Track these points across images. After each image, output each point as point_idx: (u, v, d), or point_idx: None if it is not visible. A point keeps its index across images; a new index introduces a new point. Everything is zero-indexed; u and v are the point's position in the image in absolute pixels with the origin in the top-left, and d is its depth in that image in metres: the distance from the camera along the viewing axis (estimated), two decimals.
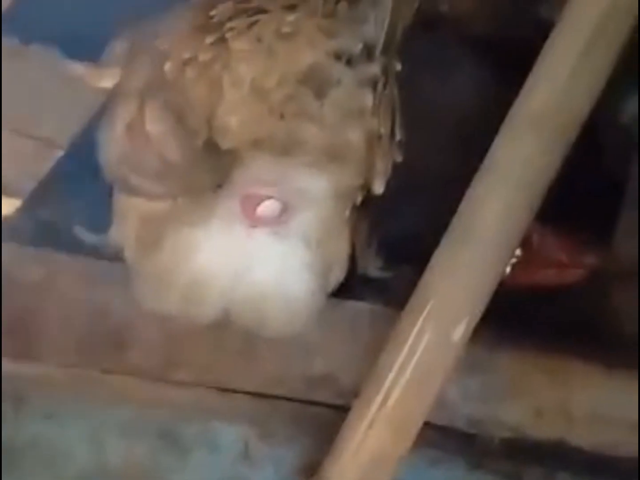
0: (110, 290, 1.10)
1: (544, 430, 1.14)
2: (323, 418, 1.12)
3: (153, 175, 1.02)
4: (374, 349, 1.07)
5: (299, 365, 1.12)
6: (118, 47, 1.11)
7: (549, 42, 0.97)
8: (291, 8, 0.99)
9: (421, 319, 0.92)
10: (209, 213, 1.02)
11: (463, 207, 0.95)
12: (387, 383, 0.93)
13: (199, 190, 1.01)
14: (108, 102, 1.08)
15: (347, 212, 1.04)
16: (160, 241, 1.03)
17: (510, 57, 1.12)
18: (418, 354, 0.92)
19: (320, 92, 0.96)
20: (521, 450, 1.14)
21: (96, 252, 1.10)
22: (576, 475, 1.16)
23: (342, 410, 1.09)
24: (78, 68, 1.10)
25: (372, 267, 1.12)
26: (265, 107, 0.96)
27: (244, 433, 1.14)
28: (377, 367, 0.94)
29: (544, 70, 0.93)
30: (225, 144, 0.98)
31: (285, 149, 0.98)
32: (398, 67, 0.99)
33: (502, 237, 0.92)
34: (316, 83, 0.96)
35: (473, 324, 0.94)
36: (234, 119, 0.97)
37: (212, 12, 1.01)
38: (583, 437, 1.14)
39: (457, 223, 0.94)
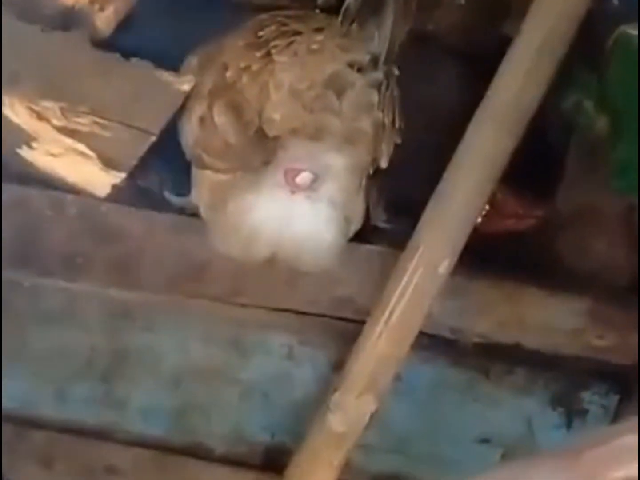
0: (191, 238, 1.13)
1: (506, 337, 1.17)
2: (346, 329, 1.17)
3: (219, 155, 1.07)
4: (382, 279, 1.13)
5: (327, 291, 1.16)
6: (192, 60, 1.14)
7: (508, 54, 1.00)
8: (319, 30, 1.04)
9: (416, 258, 0.97)
10: (260, 182, 1.07)
11: (445, 177, 1.00)
12: (390, 305, 0.97)
13: (252, 166, 1.06)
14: (186, 101, 1.12)
15: (362, 181, 1.09)
16: (225, 203, 1.08)
17: (480, 64, 1.12)
18: (414, 283, 0.97)
19: (339, 93, 1.02)
20: (488, 351, 1.18)
21: (181, 211, 1.15)
22: (530, 368, 1.20)
23: (359, 324, 1.14)
24: (166, 76, 1.12)
25: (380, 220, 1.16)
26: (300, 105, 1.02)
27: (288, 341, 1.19)
28: (383, 294, 0.98)
29: (504, 76, 0.95)
30: (271, 132, 1.03)
31: (315, 135, 1.03)
32: (396, 72, 1.04)
33: (474, 198, 0.96)
34: (337, 86, 1.02)
35: (454, 261, 0.98)
36: (277, 114, 1.02)
37: (260, 33, 1.06)
38: (534, 341, 1.18)
39: (442, 188, 0.98)
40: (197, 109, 1.09)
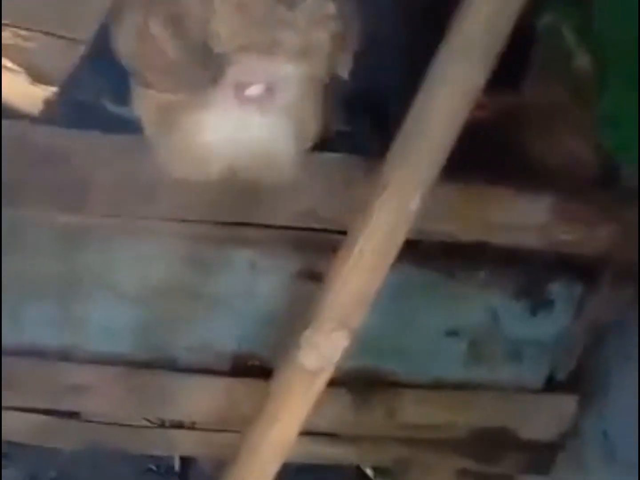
0: (138, 158, 0.93)
1: (471, 236, 1.01)
2: (310, 239, 1.00)
3: (161, 72, 0.86)
4: (344, 187, 0.96)
5: (288, 202, 0.98)
6: None
7: None
8: None
9: (385, 195, 0.77)
10: (209, 99, 0.86)
11: (413, 112, 0.78)
12: (360, 244, 0.79)
13: (199, 85, 0.83)
14: (116, 5, 0.88)
15: (319, 89, 0.88)
16: (174, 124, 0.87)
17: None
18: (383, 221, 0.77)
19: (291, 5, 0.79)
20: (454, 251, 1.02)
21: (124, 126, 0.92)
22: (495, 265, 1.05)
23: (323, 233, 0.98)
24: None
25: (339, 126, 0.95)
26: (248, 19, 0.79)
27: (251, 254, 1.01)
28: (353, 229, 0.79)
29: (471, 5, 0.73)
30: (217, 48, 0.81)
31: (268, 50, 0.82)
32: None
33: (444, 134, 0.76)
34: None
35: (424, 196, 0.78)
36: (223, 29, 0.81)
37: None
38: (500, 239, 1.01)
39: (409, 124, 0.78)
40: (131, 18, 0.86)
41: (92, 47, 0.94)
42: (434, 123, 0.77)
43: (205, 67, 0.83)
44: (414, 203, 0.79)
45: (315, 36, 0.81)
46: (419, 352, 1.09)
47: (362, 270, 0.80)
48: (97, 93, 0.95)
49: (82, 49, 0.91)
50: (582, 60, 0.73)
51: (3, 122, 0.91)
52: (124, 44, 0.88)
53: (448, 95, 0.76)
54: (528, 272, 1.05)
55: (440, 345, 1.08)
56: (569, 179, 0.99)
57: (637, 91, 0.66)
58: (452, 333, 1.08)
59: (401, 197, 0.78)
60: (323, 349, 0.82)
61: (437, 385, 1.10)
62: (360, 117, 0.98)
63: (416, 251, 1.00)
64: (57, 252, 0.98)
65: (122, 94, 0.91)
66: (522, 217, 1.00)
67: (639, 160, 0.77)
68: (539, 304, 1.07)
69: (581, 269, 1.05)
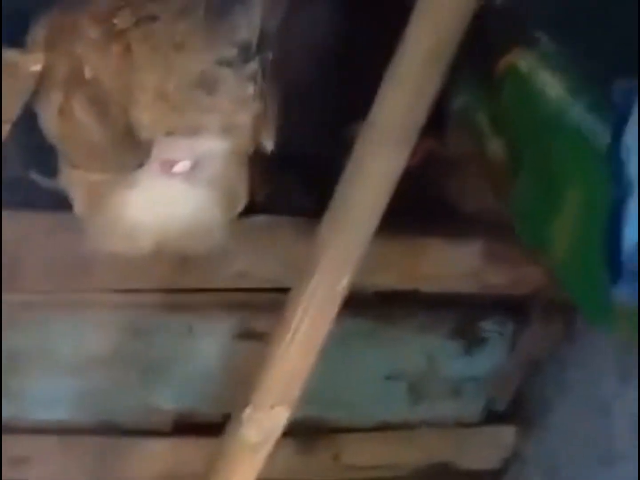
0: (70, 235, 0.92)
1: (405, 285, 1.03)
2: (245, 300, 1.01)
3: (86, 154, 0.85)
4: (275, 246, 0.98)
5: (221, 266, 0.99)
6: (39, 33, 0.88)
7: (390, 69, 0.77)
8: (179, 15, 0.79)
9: (313, 281, 0.78)
10: (137, 177, 0.86)
11: (336, 201, 0.79)
12: (293, 326, 0.80)
13: (126, 167, 0.83)
14: (40, 83, 0.87)
15: (244, 160, 0.89)
16: (102, 202, 0.87)
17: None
18: (313, 305, 0.79)
19: (211, 91, 0.79)
20: (389, 299, 1.04)
21: (54, 195, 0.92)
22: (430, 309, 1.06)
23: (257, 292, 1.00)
24: (11, 55, 0.86)
25: (268, 187, 0.96)
26: (169, 107, 0.79)
27: (187, 319, 1.02)
28: (285, 312, 0.80)
29: (389, 95, 0.74)
30: (141, 135, 0.80)
31: (191, 133, 0.80)
32: (271, 56, 0.81)
33: (368, 218, 0.78)
34: (207, 84, 0.81)
35: (351, 277, 0.80)
36: (146, 117, 0.80)
37: (115, 20, 0.80)
38: (433, 286, 1.04)
39: (333, 212, 0.79)
40: (54, 98, 0.86)
41: (20, 123, 0.93)
42: (358, 210, 0.78)
43: (131, 152, 0.83)
44: (342, 285, 0.80)
45: (237, 117, 0.82)
46: (361, 397, 1.11)
47: (297, 348, 0.81)
48: (26, 168, 0.94)
49: (6, 128, 0.89)
50: (496, 147, 0.74)
51: None
52: (49, 124, 0.88)
53: (369, 183, 0.77)
54: (461, 314, 1.07)
55: (381, 389, 1.10)
56: (495, 224, 1.01)
57: (546, 190, 0.66)
58: (392, 377, 1.10)
59: (331, 278, 0.79)
60: (264, 425, 0.83)
61: (380, 427, 1.12)
62: (288, 179, 0.99)
63: (353, 302, 1.02)
64: None
65: (50, 165, 0.91)
66: (453, 264, 1.02)
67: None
68: (473, 343, 1.09)
69: (512, 308, 1.07)
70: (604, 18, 0.66)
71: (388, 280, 1.03)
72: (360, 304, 1.03)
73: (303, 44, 0.88)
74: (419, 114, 0.73)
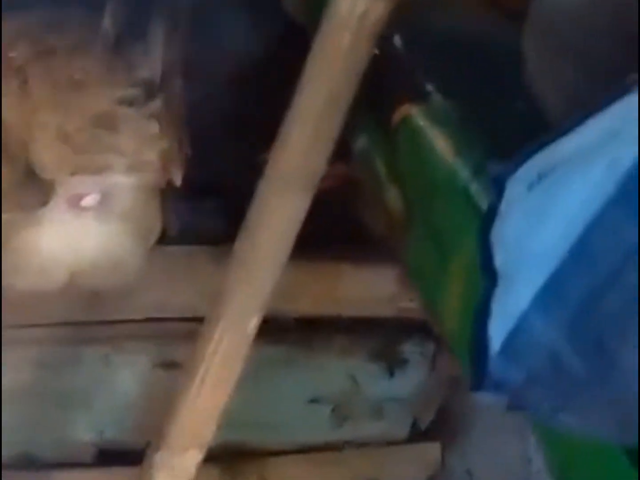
0: None
1: (323, 310, 1.03)
2: (161, 329, 1.00)
3: None
4: (190, 275, 0.97)
5: (136, 296, 0.98)
6: None
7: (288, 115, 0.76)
8: (77, 49, 0.77)
9: (222, 323, 0.77)
10: (44, 215, 0.83)
11: (238, 244, 0.78)
12: (202, 369, 0.79)
13: (29, 206, 0.81)
14: None
15: (155, 192, 0.88)
16: (7, 240, 0.84)
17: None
18: (223, 346, 0.78)
19: (113, 130, 0.77)
20: (309, 325, 1.04)
21: None
22: (350, 333, 1.06)
23: (173, 321, 0.99)
24: None
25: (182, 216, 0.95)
26: (70, 147, 0.77)
27: (103, 351, 1.00)
28: (193, 357, 0.79)
29: (290, 133, 0.73)
30: (43, 175, 0.78)
31: (96, 172, 0.79)
32: (179, 85, 0.79)
33: (273, 259, 0.77)
34: (109, 125, 0.78)
35: (261, 317, 0.79)
36: (46, 158, 0.78)
37: (12, 54, 0.78)
38: (352, 311, 1.04)
39: (238, 254, 0.78)
40: None
41: None
42: (262, 252, 0.77)
43: (33, 191, 0.81)
44: (252, 324, 0.79)
45: (143, 155, 0.80)
46: (285, 420, 1.10)
47: (207, 393, 0.80)
48: None
49: None
50: (392, 196, 0.73)
51: None
52: None
53: (272, 225, 0.76)
54: (381, 337, 1.07)
55: (305, 412, 1.10)
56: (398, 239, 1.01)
57: (436, 250, 0.65)
58: (315, 400, 1.10)
59: (238, 322, 0.79)
60: (177, 468, 0.82)
61: (305, 449, 1.12)
62: (201, 208, 0.98)
63: (272, 329, 1.01)
64: None
65: None
66: (369, 290, 1.02)
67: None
68: (394, 364, 1.09)
69: (431, 328, 1.07)
70: (495, 73, 0.66)
71: (305, 306, 1.02)
72: (279, 330, 1.04)
73: (208, 75, 0.87)
74: (320, 157, 0.72)
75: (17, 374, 0.99)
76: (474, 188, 0.61)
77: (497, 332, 0.46)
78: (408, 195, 0.69)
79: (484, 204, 0.58)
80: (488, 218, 0.47)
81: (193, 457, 0.81)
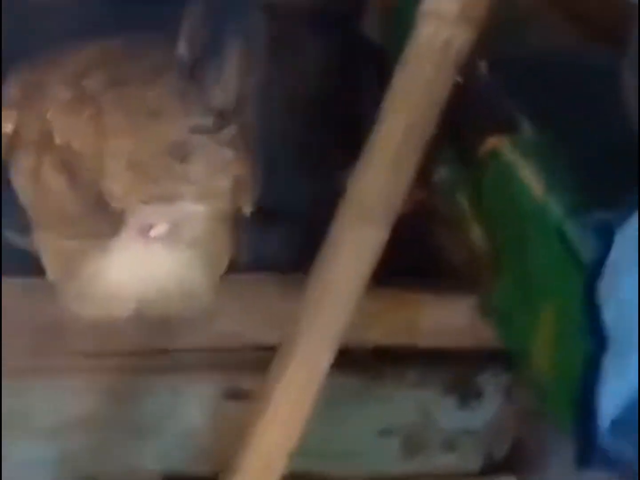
0: (44, 300, 0.89)
1: (397, 340, 1.00)
2: (231, 359, 0.98)
3: (57, 219, 0.81)
4: (260, 304, 0.95)
5: (206, 326, 0.95)
6: (14, 89, 0.85)
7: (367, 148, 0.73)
8: (152, 77, 0.75)
9: (295, 357, 0.75)
10: (113, 244, 0.82)
11: (314, 278, 0.76)
12: (275, 398, 0.76)
13: (99, 235, 0.79)
14: (10, 142, 0.84)
15: (226, 221, 0.86)
16: (75, 269, 0.83)
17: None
18: (296, 380, 0.76)
19: (186, 159, 0.75)
20: (382, 355, 1.01)
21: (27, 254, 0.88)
22: (424, 365, 1.03)
23: (243, 351, 0.96)
24: None
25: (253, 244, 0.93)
26: (142, 176, 0.75)
27: (172, 379, 0.98)
28: (265, 389, 0.77)
29: (368, 166, 0.70)
30: (114, 204, 0.76)
31: (167, 200, 0.77)
32: (253, 112, 0.77)
33: (349, 292, 0.74)
34: (182, 153, 0.76)
35: (334, 352, 0.76)
36: (117, 186, 0.76)
37: (85, 82, 0.76)
38: (427, 341, 1.00)
39: (313, 287, 0.75)
40: (25, 160, 0.82)
41: None
42: (336, 289, 0.75)
43: (103, 221, 0.79)
44: (326, 360, 0.77)
45: (214, 184, 0.78)
46: (354, 451, 1.07)
47: (279, 426, 0.78)
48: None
49: None
50: (476, 235, 0.69)
51: None
52: (19, 185, 0.84)
53: (349, 260, 0.73)
54: (455, 368, 1.04)
55: (374, 443, 1.07)
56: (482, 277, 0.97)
57: (525, 297, 0.60)
58: (386, 431, 1.07)
59: (312, 357, 0.76)
60: None
61: (375, 479, 1.09)
62: (272, 236, 0.96)
63: (344, 359, 0.99)
64: None
65: (26, 226, 0.88)
66: (445, 319, 0.99)
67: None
68: (468, 396, 1.06)
69: (507, 360, 1.04)
70: (589, 107, 0.61)
71: (379, 336, 0.99)
72: (352, 360, 1.01)
73: (283, 101, 0.85)
74: (398, 190, 0.69)
75: (84, 402, 0.97)
76: (569, 229, 0.56)
77: (609, 403, 0.42)
78: (494, 234, 0.65)
79: (582, 249, 0.54)
80: (593, 272, 0.43)
81: None
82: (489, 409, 1.07)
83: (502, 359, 1.03)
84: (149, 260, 0.85)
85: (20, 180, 0.84)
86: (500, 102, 0.65)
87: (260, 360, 0.92)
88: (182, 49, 0.75)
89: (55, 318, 0.91)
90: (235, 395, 0.99)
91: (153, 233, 0.83)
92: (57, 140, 0.78)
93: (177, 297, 0.88)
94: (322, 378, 0.78)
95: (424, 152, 0.67)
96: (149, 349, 0.96)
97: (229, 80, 0.75)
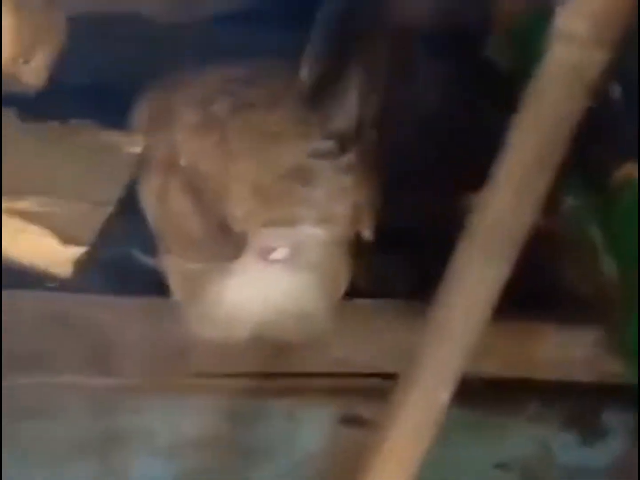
0: (165, 319, 0.91)
1: (515, 372, 0.97)
2: (347, 385, 0.97)
3: (182, 242, 0.83)
4: (377, 331, 0.94)
5: (322, 351, 0.95)
6: (143, 113, 0.87)
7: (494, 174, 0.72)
8: (273, 102, 0.76)
9: (415, 390, 0.74)
10: (234, 266, 0.83)
11: (436, 311, 0.74)
12: (390, 437, 0.75)
13: (222, 258, 0.80)
14: (141, 165, 0.86)
15: (345, 245, 0.86)
16: (199, 291, 0.84)
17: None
18: (415, 414, 0.75)
19: (306, 184, 0.75)
20: (498, 387, 0.98)
21: (153, 274, 0.90)
22: (543, 398, 1.00)
23: (359, 377, 0.96)
24: (113, 137, 0.86)
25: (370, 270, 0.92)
26: (264, 200, 0.76)
27: (288, 404, 0.98)
28: (384, 421, 0.76)
29: (493, 197, 0.68)
30: (236, 228, 0.77)
31: (287, 224, 0.77)
32: (374, 136, 0.77)
33: (469, 329, 0.73)
34: (302, 177, 0.77)
35: (455, 386, 0.75)
36: (240, 210, 0.77)
37: (211, 107, 0.78)
38: (546, 374, 0.98)
39: (436, 319, 0.74)
40: (153, 182, 0.84)
41: (122, 203, 0.92)
42: (458, 323, 0.73)
43: (226, 244, 0.80)
44: (446, 394, 0.75)
45: (334, 209, 0.79)
46: None
47: (396, 458, 0.77)
48: (127, 246, 0.93)
49: (108, 209, 0.89)
50: (609, 268, 0.66)
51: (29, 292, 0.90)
52: (148, 206, 0.87)
53: (472, 294, 0.72)
54: (578, 403, 1.00)
55: (490, 477, 1.04)
56: (612, 309, 0.94)
57: None
58: (502, 465, 1.04)
59: (432, 391, 0.75)
60: None
61: None
62: (390, 261, 0.96)
63: (460, 391, 0.97)
64: (90, 415, 0.97)
65: (153, 246, 0.90)
66: (566, 351, 0.96)
67: None
68: (591, 433, 1.02)
69: (634, 397, 0.99)
70: None
71: (496, 367, 0.97)
72: (468, 393, 0.98)
73: (403, 125, 0.84)
74: (525, 221, 0.67)
75: (203, 423, 0.98)
76: None
77: None
78: (627, 266, 0.63)
79: None
80: None
81: None
82: (613, 447, 1.03)
83: (630, 396, 0.99)
84: (269, 283, 0.86)
85: (148, 200, 0.86)
86: (633, 128, 0.63)
87: (377, 387, 0.91)
88: (304, 73, 0.75)
89: (178, 338, 0.93)
90: (351, 421, 0.98)
91: (274, 256, 0.83)
92: (183, 162, 0.80)
93: (295, 320, 0.88)
94: (442, 414, 0.77)
95: (553, 179, 0.65)
96: (267, 371, 0.96)
97: (349, 105, 0.76)
